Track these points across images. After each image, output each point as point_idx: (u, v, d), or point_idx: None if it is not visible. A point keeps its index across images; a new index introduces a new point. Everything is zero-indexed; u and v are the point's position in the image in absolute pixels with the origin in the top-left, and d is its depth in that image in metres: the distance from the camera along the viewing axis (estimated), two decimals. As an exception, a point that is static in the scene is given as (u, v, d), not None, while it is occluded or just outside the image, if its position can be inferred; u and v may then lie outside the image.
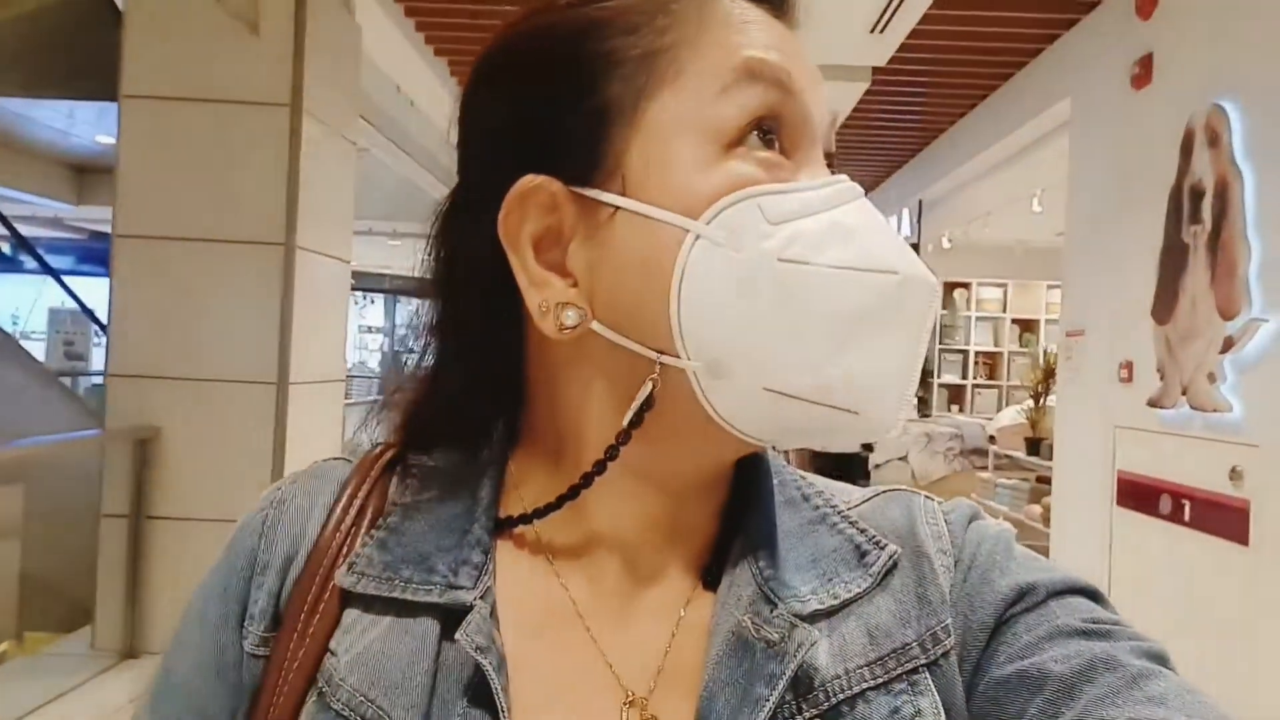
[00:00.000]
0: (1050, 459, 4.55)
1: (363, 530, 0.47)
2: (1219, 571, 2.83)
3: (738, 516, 0.48)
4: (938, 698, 0.42)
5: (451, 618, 0.43)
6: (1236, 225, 2.84)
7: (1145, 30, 3.43)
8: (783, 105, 0.43)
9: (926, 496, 0.50)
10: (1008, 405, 8.35)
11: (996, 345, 10.59)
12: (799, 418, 0.41)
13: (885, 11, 4.02)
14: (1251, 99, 2.85)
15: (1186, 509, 3.01)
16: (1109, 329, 3.59)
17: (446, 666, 0.43)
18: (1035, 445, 5.99)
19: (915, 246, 7.62)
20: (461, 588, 0.44)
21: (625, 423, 0.43)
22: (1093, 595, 0.44)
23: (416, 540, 0.46)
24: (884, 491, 0.51)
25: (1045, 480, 5.70)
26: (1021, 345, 10.43)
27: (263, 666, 0.46)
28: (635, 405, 0.43)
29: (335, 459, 0.52)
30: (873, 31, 4.24)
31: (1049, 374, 6.15)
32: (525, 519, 0.47)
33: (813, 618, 0.43)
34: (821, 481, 0.51)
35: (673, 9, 0.45)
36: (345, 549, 0.47)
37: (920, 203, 7.20)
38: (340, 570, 0.45)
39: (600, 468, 0.44)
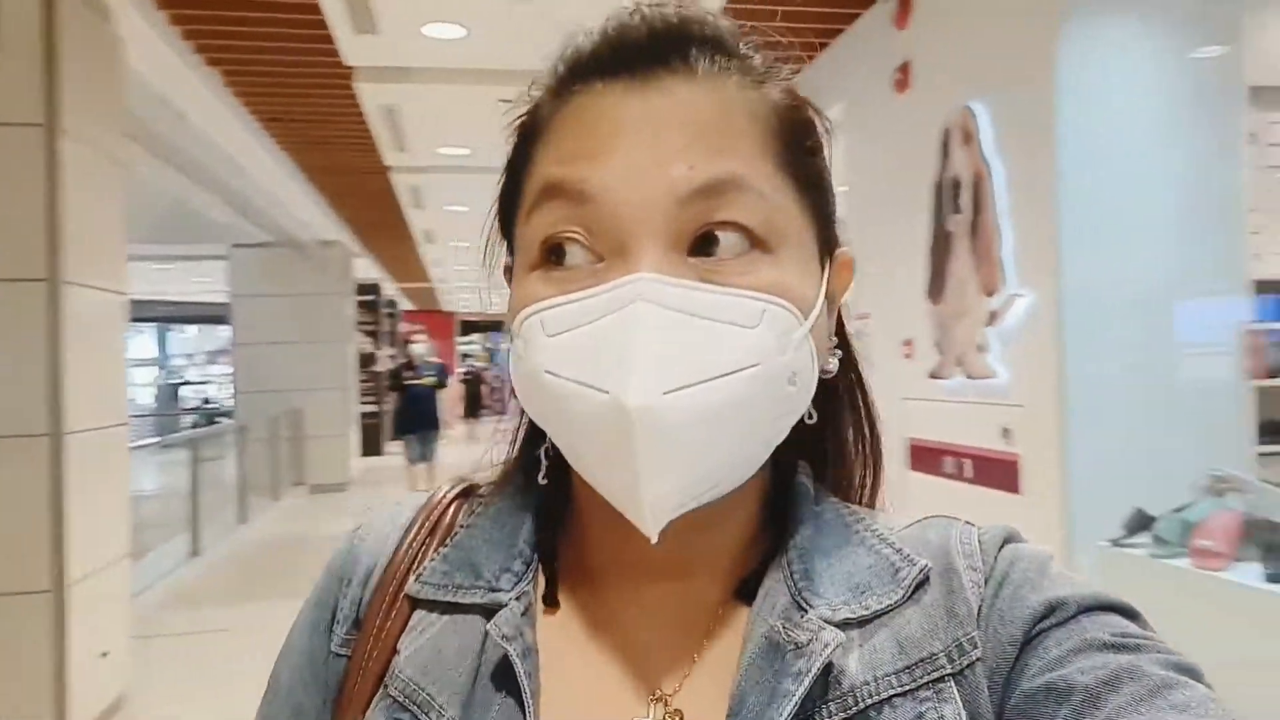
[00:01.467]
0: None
1: (432, 548, 0.54)
2: (997, 519, 3.20)
3: (777, 537, 0.50)
4: (961, 707, 0.43)
5: (496, 616, 0.48)
6: (990, 213, 3.22)
7: (903, 39, 3.81)
8: (583, 216, 0.44)
9: (966, 522, 0.52)
10: None
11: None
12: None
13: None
14: (997, 101, 3.24)
15: (967, 467, 3.39)
16: (891, 311, 3.95)
17: (487, 659, 0.47)
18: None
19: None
20: (501, 590, 0.49)
21: (540, 477, 0.52)
22: (1126, 612, 0.44)
23: (471, 554, 0.52)
24: (927, 518, 0.52)
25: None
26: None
27: (345, 665, 0.52)
28: (543, 456, 0.52)
29: (420, 492, 0.59)
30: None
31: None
32: (549, 539, 0.53)
33: (843, 625, 0.45)
34: (867, 510, 0.54)
35: (525, 127, 0.50)
36: (416, 564, 0.53)
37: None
38: (410, 580, 0.52)
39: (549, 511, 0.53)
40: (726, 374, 0.42)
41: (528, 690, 0.45)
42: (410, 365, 9.10)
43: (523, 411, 0.54)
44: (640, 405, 0.40)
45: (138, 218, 3.97)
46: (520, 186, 0.49)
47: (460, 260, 13.93)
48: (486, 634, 0.47)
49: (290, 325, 10.50)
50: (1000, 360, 3.20)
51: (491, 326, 27.58)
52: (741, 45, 0.49)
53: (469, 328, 27.36)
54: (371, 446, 12.21)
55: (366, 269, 13.22)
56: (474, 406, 17.71)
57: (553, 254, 0.45)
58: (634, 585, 0.50)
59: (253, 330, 10.54)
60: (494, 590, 0.49)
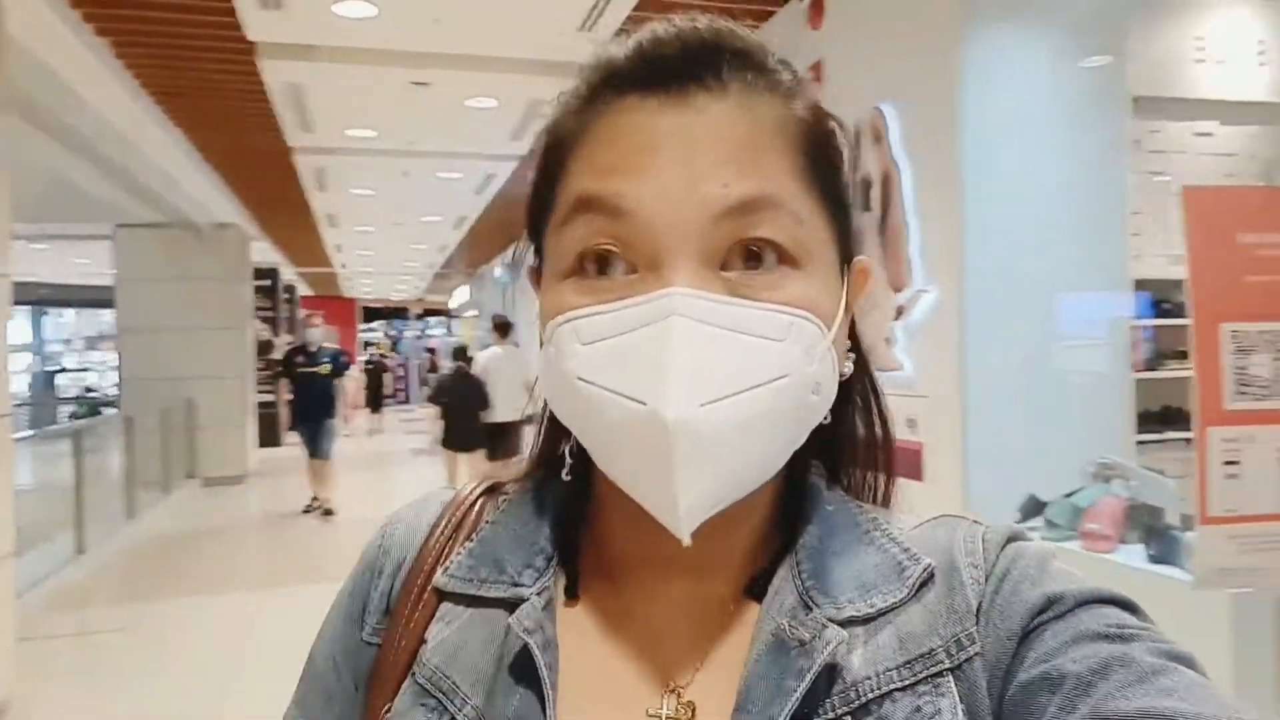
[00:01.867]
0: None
1: (459, 543, 0.56)
2: (903, 507, 3.34)
3: (788, 536, 0.52)
4: (958, 700, 0.45)
5: (517, 609, 0.50)
6: (899, 211, 3.34)
7: (816, 39, 3.90)
8: (618, 229, 0.45)
9: (974, 520, 0.52)
10: None
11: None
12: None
13: (593, 11, 4.18)
14: (905, 103, 3.36)
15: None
16: (803, 304, 4.06)
17: (510, 650, 0.49)
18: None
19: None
20: (523, 585, 0.52)
21: (564, 474, 0.54)
22: (1124, 605, 0.45)
23: (496, 549, 0.54)
24: (937, 518, 0.53)
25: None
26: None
27: (375, 653, 0.55)
28: (567, 455, 0.54)
29: (445, 488, 0.61)
30: (581, 29, 4.40)
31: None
32: (569, 536, 0.54)
33: (848, 623, 0.47)
34: (879, 510, 0.55)
35: (561, 134, 0.50)
36: (443, 558, 0.55)
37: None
38: (437, 574, 0.54)
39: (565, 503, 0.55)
40: (757, 386, 0.44)
41: (548, 681, 0.47)
42: (304, 350, 8.23)
43: (544, 411, 0.57)
44: (678, 418, 0.42)
45: (12, 194, 3.72)
46: (552, 194, 0.50)
47: (364, 245, 13.55)
48: (509, 626, 0.49)
49: (182, 310, 10.01)
50: (906, 353, 3.33)
51: (394, 314, 26.94)
52: (770, 60, 0.49)
53: (371, 314, 26.65)
54: (269, 437, 11.76)
55: (264, 253, 12.73)
56: (376, 397, 17.17)
57: (587, 264, 0.47)
58: (651, 582, 0.52)
59: (140, 315, 10.00)
60: (517, 585, 0.51)
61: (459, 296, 21.01)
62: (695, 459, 0.43)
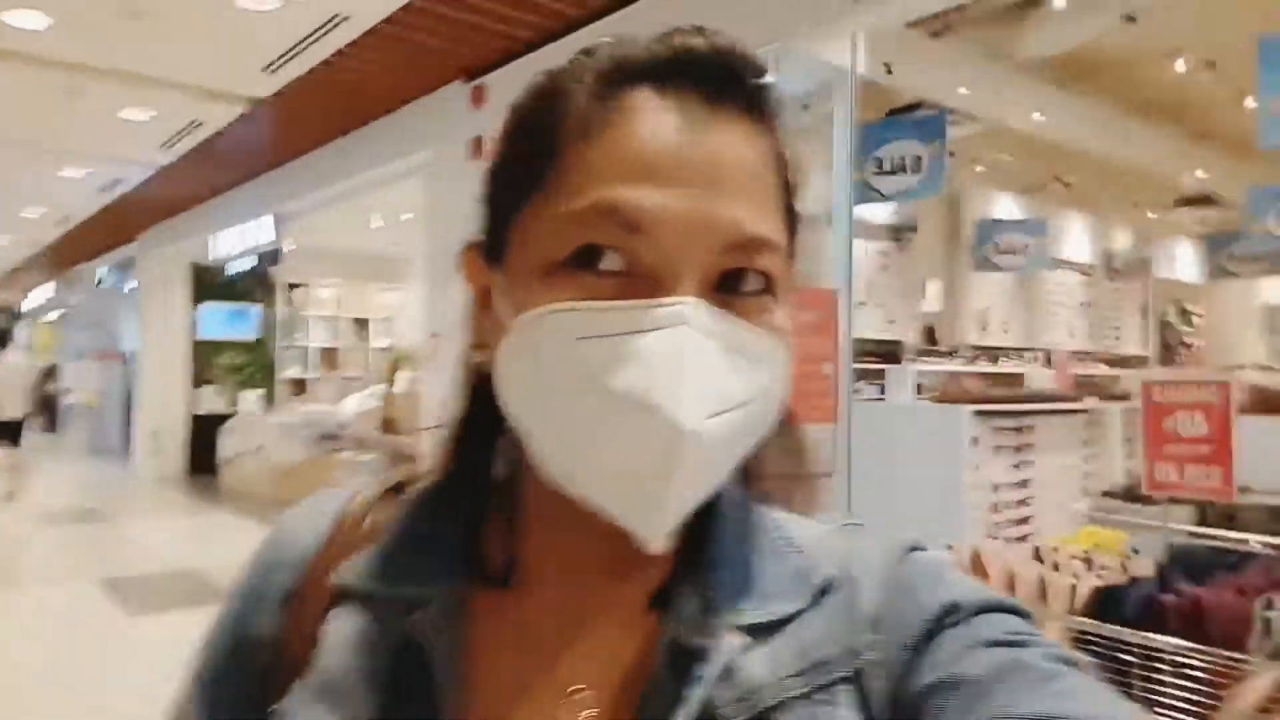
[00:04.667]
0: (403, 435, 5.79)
1: (359, 541, 0.53)
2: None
3: (693, 546, 0.50)
4: (858, 708, 0.45)
5: (418, 609, 0.48)
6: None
7: (478, 117, 4.78)
8: (630, 238, 0.44)
9: (874, 531, 0.53)
10: (351, 395, 9.26)
11: (334, 341, 11.60)
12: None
13: (282, 56, 4.63)
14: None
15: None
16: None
17: (409, 652, 0.47)
18: (389, 425, 7.14)
19: (277, 253, 8.14)
20: (426, 586, 0.49)
21: (492, 473, 0.54)
22: (1017, 612, 0.46)
23: (398, 549, 0.51)
24: (841, 526, 0.54)
25: (403, 455, 6.88)
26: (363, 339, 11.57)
27: (267, 655, 0.53)
28: (501, 458, 0.54)
29: (345, 490, 0.58)
30: (265, 70, 4.80)
31: (397, 367, 7.36)
32: (477, 537, 0.52)
33: (748, 631, 0.47)
34: (788, 517, 0.54)
35: (558, 114, 0.47)
36: (342, 556, 0.52)
37: (280, 214, 7.73)
38: (335, 573, 0.51)
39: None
40: (744, 404, 0.45)
41: (446, 685, 0.46)
42: None
43: (463, 409, 0.55)
44: (693, 428, 0.42)
45: None
46: (541, 174, 0.46)
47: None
48: (409, 627, 0.48)
49: None
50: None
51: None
52: (774, 92, 0.49)
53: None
54: None
55: None
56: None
57: (583, 258, 0.44)
58: (559, 587, 0.51)
59: None
60: (419, 586, 0.49)
61: (37, 296, 18.30)
62: (694, 469, 0.43)
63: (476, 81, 4.82)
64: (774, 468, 0.56)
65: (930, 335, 7.47)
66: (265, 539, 0.58)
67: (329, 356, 11.58)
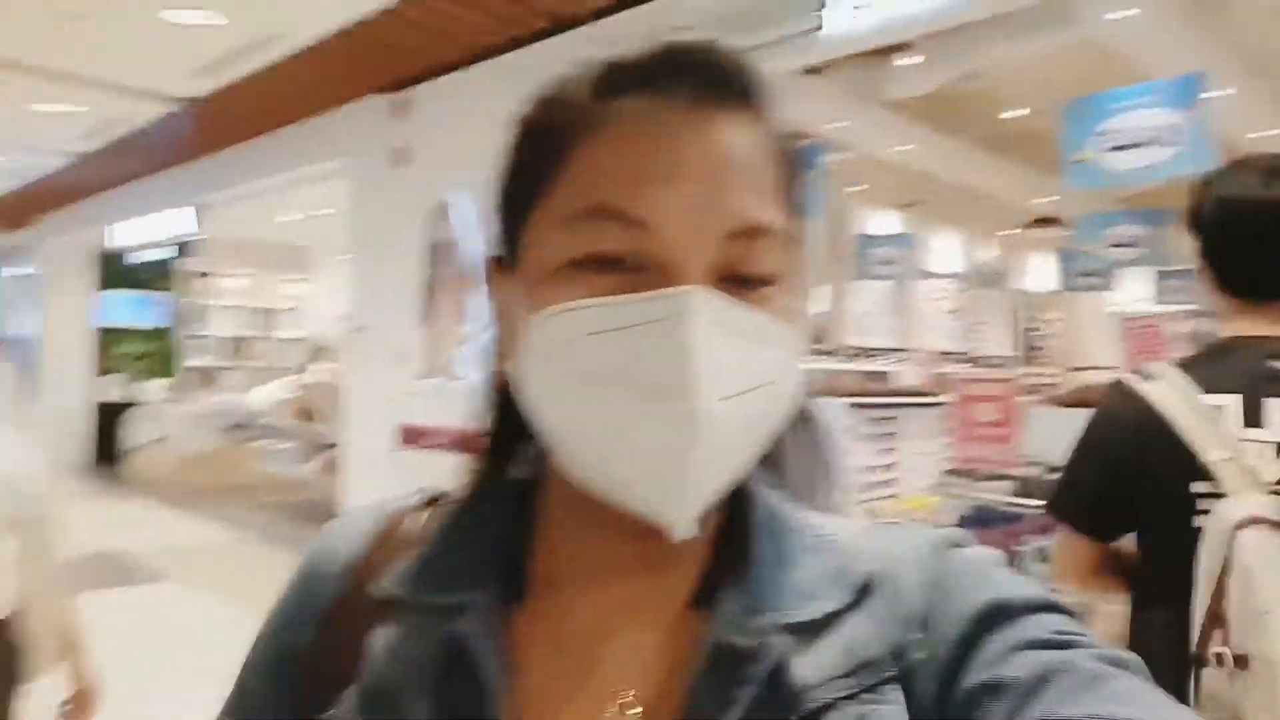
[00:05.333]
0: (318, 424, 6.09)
1: (402, 550, 0.54)
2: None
3: (730, 545, 0.51)
4: (904, 708, 0.45)
5: (461, 616, 0.49)
6: (456, 271, 4.79)
7: (403, 127, 5.15)
8: (633, 237, 0.45)
9: (916, 527, 0.53)
10: (260, 385, 9.33)
11: (240, 330, 11.57)
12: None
13: (213, 64, 4.89)
14: (477, 190, 4.75)
15: (445, 439, 4.89)
16: (389, 329, 5.27)
17: (454, 659, 0.48)
18: (306, 414, 7.39)
19: (191, 244, 8.17)
20: (468, 592, 0.50)
21: (523, 475, 0.55)
22: (1065, 611, 0.46)
23: (439, 557, 0.52)
24: (877, 524, 0.54)
25: (315, 445, 7.14)
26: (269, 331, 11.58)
27: (313, 664, 0.53)
28: (523, 462, 0.56)
29: (388, 499, 0.59)
30: (194, 74, 5.05)
31: (314, 358, 7.60)
32: (517, 542, 0.53)
33: (792, 630, 0.46)
34: (816, 516, 0.54)
35: (560, 122, 0.48)
36: (385, 566, 0.53)
37: (202, 205, 7.79)
38: (380, 582, 0.52)
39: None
40: (757, 388, 0.46)
41: (495, 690, 0.46)
42: None
43: (493, 419, 0.57)
44: (706, 409, 0.42)
45: None
46: (547, 182, 0.48)
47: None
48: (453, 634, 0.48)
49: None
50: (470, 368, 4.78)
51: None
52: (767, 83, 0.50)
53: None
54: None
55: None
56: None
57: (591, 260, 0.45)
58: (599, 588, 0.51)
59: None
60: (461, 592, 0.50)
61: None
62: (714, 451, 0.44)
63: (400, 94, 5.20)
64: (796, 462, 0.56)
65: (816, 337, 8.20)
66: (307, 552, 0.58)
67: (235, 346, 11.55)
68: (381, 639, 0.50)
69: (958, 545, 0.51)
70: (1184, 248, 1.42)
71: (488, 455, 0.58)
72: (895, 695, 0.46)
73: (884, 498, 4.42)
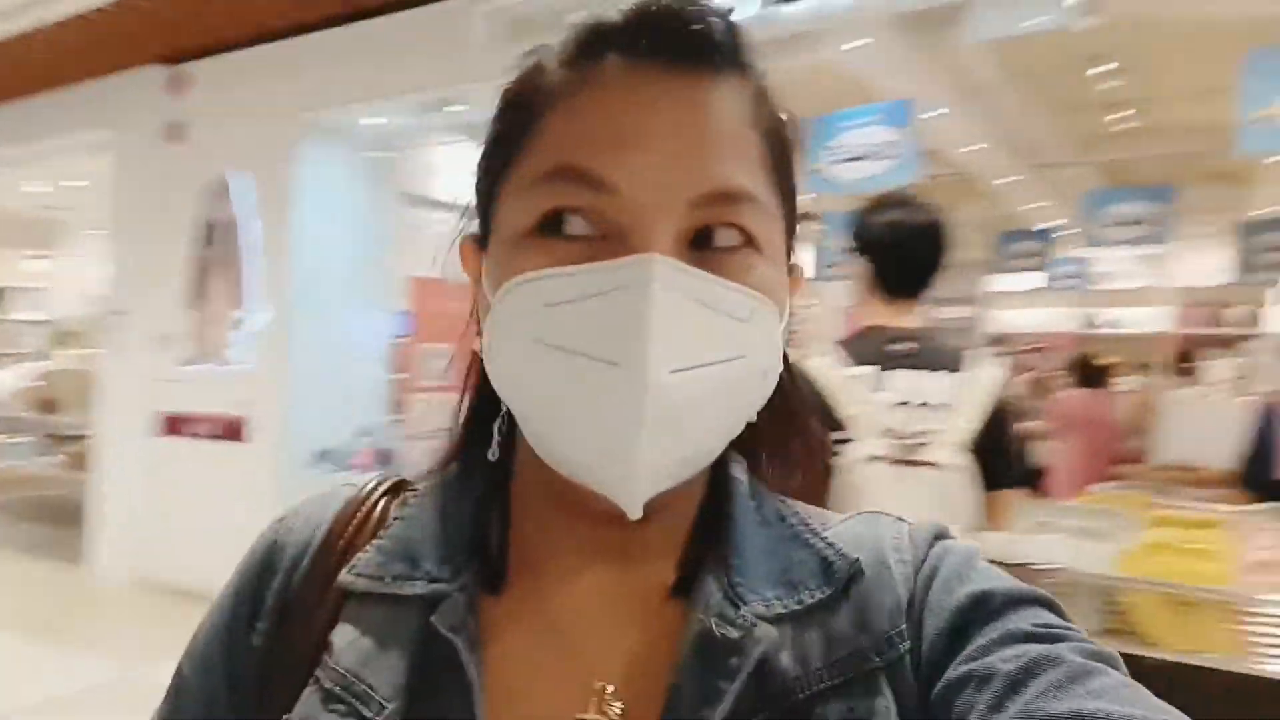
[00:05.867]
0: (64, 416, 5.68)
1: (365, 538, 0.51)
2: (229, 462, 4.66)
3: (712, 530, 0.50)
4: (891, 700, 0.44)
5: (434, 608, 0.47)
6: (235, 249, 4.62)
7: (179, 104, 4.88)
8: (596, 200, 0.43)
9: (898, 518, 0.52)
10: None
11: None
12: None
13: None
14: (256, 172, 4.63)
15: (209, 427, 4.70)
16: (153, 312, 4.98)
17: (430, 650, 0.46)
18: (49, 405, 6.75)
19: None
20: (442, 580, 0.48)
21: (490, 454, 0.51)
22: (1048, 604, 0.45)
23: (408, 543, 0.50)
24: (860, 514, 0.53)
25: (58, 437, 6.54)
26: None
27: (264, 658, 0.50)
28: (495, 435, 0.51)
29: (347, 484, 0.56)
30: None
31: (59, 342, 6.92)
32: (490, 526, 0.50)
33: (776, 621, 0.46)
34: (803, 506, 0.53)
35: (532, 92, 0.47)
36: (348, 554, 0.50)
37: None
38: (343, 572, 0.49)
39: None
40: (720, 361, 0.44)
41: (476, 682, 0.45)
42: None
43: (463, 395, 0.55)
44: (655, 381, 0.41)
45: None
46: (518, 152, 0.47)
47: None
48: (429, 625, 0.46)
49: None
50: (242, 353, 4.63)
51: None
52: (754, 51, 0.48)
53: None
54: None
55: None
56: None
57: (552, 224, 0.44)
58: (575, 574, 0.49)
59: None
60: (435, 581, 0.48)
61: None
62: (663, 425, 0.42)
63: (179, 67, 4.93)
64: (779, 446, 0.55)
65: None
66: (261, 539, 0.55)
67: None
68: (348, 633, 0.48)
69: (941, 536, 0.50)
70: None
71: (460, 437, 0.56)
72: (879, 687, 0.45)
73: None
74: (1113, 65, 5.34)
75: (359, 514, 0.54)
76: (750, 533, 0.50)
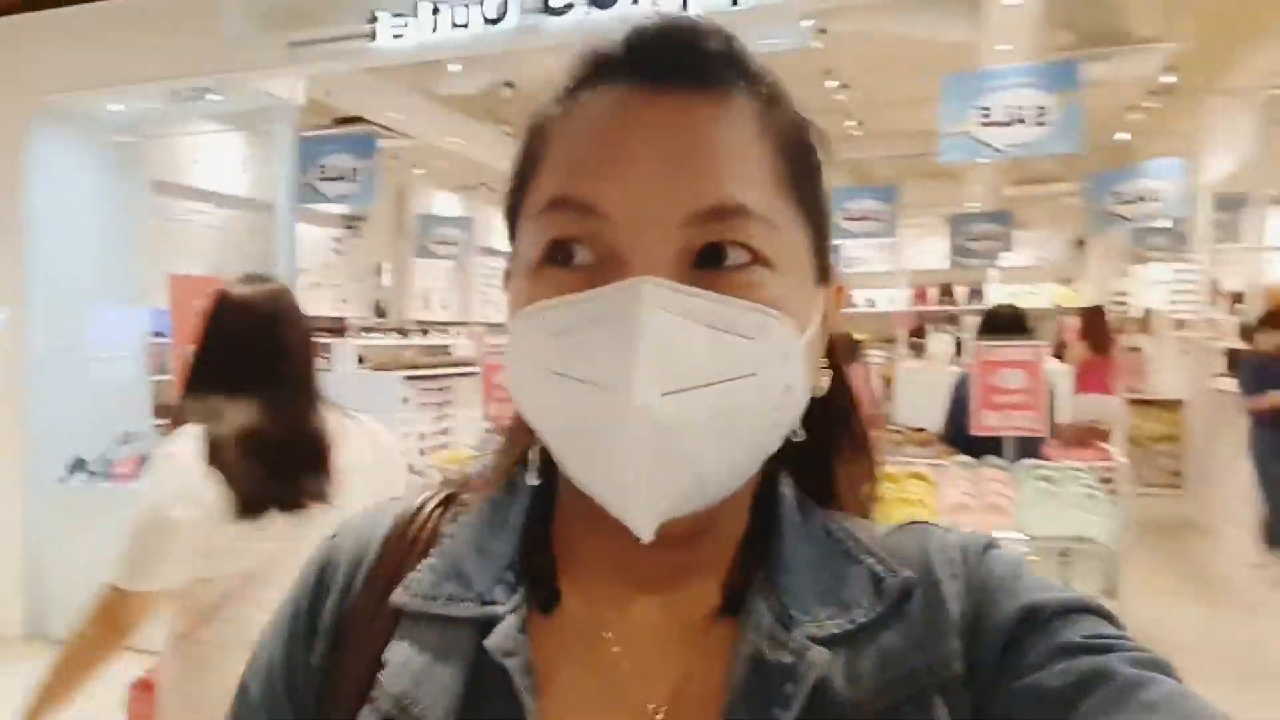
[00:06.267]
0: None
1: (416, 556, 0.52)
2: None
3: (759, 550, 0.49)
4: (947, 718, 0.44)
5: (486, 629, 0.47)
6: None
7: None
8: (590, 226, 0.44)
9: (945, 529, 0.51)
10: None
11: None
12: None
13: None
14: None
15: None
16: None
17: (483, 672, 0.46)
18: None
19: None
20: (495, 603, 0.48)
21: (530, 479, 0.51)
22: (1099, 613, 0.45)
23: (459, 563, 0.50)
24: (906, 525, 0.52)
25: None
26: None
27: (326, 679, 0.51)
28: (534, 460, 0.51)
29: (394, 500, 0.57)
30: None
31: None
32: (539, 547, 0.51)
33: (829, 642, 0.45)
34: (851, 520, 0.52)
35: (542, 123, 0.48)
36: (399, 573, 0.51)
37: None
38: (397, 591, 0.50)
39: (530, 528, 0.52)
40: (724, 381, 0.43)
41: (530, 707, 0.45)
42: None
43: (512, 421, 0.56)
44: (641, 405, 0.40)
45: None
46: (528, 184, 0.48)
47: None
48: (482, 650, 0.46)
49: None
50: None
51: None
52: (754, 63, 0.48)
53: None
54: None
55: None
56: None
57: (556, 255, 0.45)
58: (624, 597, 0.49)
59: None
60: (487, 603, 0.48)
61: None
62: (656, 449, 0.41)
63: None
64: (834, 462, 0.54)
65: (380, 311, 8.39)
66: (316, 556, 0.55)
67: None
68: (402, 652, 0.48)
69: (990, 548, 0.50)
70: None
71: (510, 457, 0.56)
72: (937, 706, 0.44)
73: (437, 450, 4.87)
74: (843, 80, 6.01)
75: (409, 531, 0.54)
76: (798, 551, 0.50)
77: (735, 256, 0.44)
